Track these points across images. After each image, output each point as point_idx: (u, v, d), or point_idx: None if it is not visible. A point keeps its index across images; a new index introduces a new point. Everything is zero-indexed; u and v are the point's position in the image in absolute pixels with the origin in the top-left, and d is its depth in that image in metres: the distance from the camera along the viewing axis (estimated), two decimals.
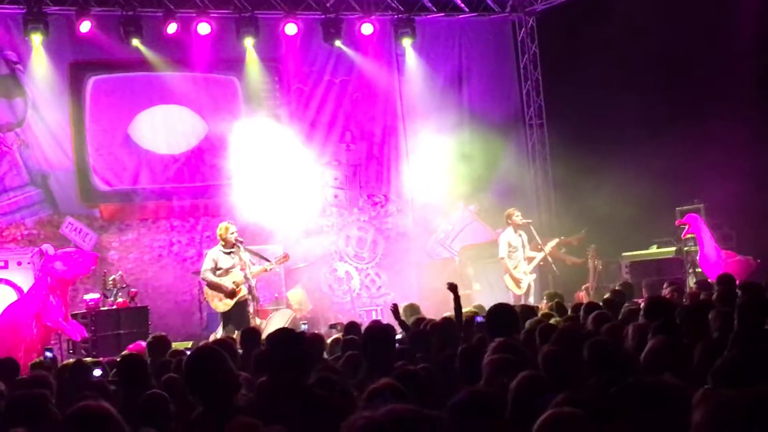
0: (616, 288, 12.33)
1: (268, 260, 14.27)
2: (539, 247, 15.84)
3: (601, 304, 10.51)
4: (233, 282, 13.56)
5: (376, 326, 7.33)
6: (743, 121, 16.27)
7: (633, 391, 4.26)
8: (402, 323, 9.71)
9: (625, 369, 5.45)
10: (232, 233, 13.77)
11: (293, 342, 5.74)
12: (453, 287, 9.51)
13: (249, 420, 4.38)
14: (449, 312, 12.00)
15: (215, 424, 4.91)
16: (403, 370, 5.60)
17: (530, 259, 15.70)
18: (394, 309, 10.03)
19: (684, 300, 9.48)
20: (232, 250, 13.75)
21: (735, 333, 5.56)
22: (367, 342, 6.94)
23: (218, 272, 13.64)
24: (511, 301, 13.64)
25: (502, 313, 7.59)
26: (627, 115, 17.01)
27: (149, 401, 6.12)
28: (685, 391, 4.10)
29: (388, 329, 7.19)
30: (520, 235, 15.72)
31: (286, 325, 13.13)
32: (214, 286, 13.66)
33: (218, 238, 13.97)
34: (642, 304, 10.13)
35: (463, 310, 9.57)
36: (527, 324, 8.45)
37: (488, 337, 7.18)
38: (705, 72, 16.92)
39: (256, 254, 14.24)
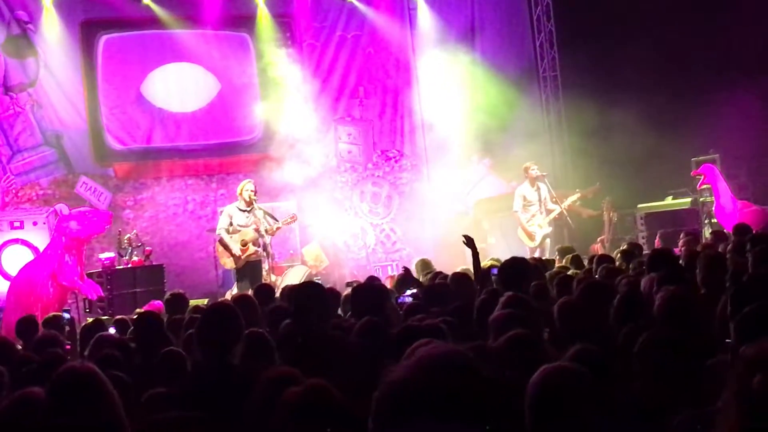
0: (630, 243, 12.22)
1: (276, 219, 14.27)
2: (554, 200, 15.76)
3: (618, 255, 10.50)
4: (242, 241, 13.59)
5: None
6: (760, 71, 16.14)
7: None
8: (415, 281, 9.67)
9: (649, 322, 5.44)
10: (247, 191, 13.78)
11: (316, 291, 5.80)
12: (470, 240, 9.41)
13: (288, 369, 4.34)
14: (464, 266, 12.01)
15: (213, 377, 4.98)
16: (409, 327, 5.58)
17: (549, 212, 15.58)
18: (406, 271, 10.13)
19: (698, 250, 9.40)
20: (249, 208, 13.77)
21: (745, 283, 5.49)
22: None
23: (232, 228, 13.69)
24: (527, 255, 13.61)
25: (512, 267, 7.56)
26: (642, 66, 16.85)
27: (166, 359, 6.15)
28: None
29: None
30: (537, 189, 15.58)
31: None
32: (225, 246, 13.75)
33: (237, 195, 14.02)
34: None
35: (481, 264, 9.48)
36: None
37: (501, 290, 7.14)
38: (724, 23, 16.74)
39: (267, 213, 14.23)
